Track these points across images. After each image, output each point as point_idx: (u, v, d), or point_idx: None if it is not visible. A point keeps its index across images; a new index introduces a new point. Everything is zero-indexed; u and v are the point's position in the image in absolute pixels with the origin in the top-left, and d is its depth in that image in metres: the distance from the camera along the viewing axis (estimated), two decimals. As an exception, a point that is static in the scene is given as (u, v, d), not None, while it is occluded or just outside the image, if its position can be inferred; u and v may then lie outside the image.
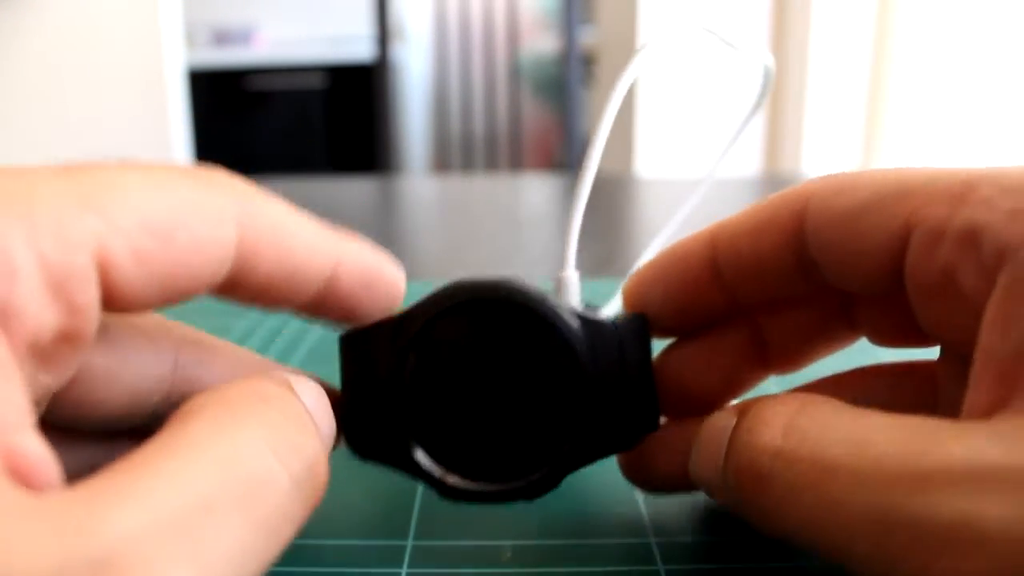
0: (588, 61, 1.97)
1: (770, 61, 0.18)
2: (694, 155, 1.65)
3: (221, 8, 2.64)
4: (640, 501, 0.23)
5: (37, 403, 0.14)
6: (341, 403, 0.20)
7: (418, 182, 0.78)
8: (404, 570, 0.20)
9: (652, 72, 1.62)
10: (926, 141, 1.45)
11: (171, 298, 0.14)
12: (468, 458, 0.20)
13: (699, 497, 0.24)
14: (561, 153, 2.14)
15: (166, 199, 0.14)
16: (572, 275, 0.21)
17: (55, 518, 0.10)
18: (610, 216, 0.62)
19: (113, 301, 0.13)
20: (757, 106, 0.18)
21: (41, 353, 0.13)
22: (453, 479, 0.20)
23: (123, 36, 1.41)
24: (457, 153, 2.23)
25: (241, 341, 0.35)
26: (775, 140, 1.67)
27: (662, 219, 0.61)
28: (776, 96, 1.64)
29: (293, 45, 2.55)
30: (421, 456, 0.19)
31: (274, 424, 0.14)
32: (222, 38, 2.53)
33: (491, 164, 2.20)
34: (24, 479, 0.11)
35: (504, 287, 0.19)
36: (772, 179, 0.76)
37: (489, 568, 0.20)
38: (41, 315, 0.12)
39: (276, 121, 2.48)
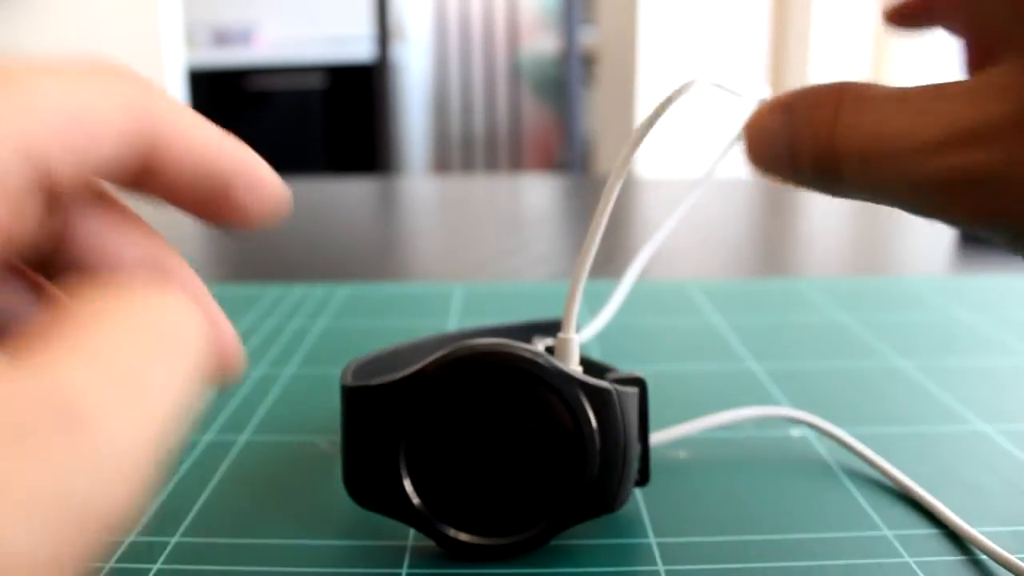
0: (588, 61, 1.97)
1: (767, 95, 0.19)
2: (694, 155, 1.65)
3: (221, 8, 2.64)
4: (640, 501, 0.23)
5: None
6: (343, 453, 0.21)
7: (418, 182, 0.78)
8: (404, 570, 0.20)
9: (652, 73, 1.62)
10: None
11: (97, 174, 0.15)
12: (468, 514, 0.20)
13: (699, 497, 0.24)
14: (561, 153, 2.14)
15: (78, 88, 0.15)
16: (573, 338, 0.21)
17: (23, 368, 0.11)
18: (610, 216, 0.62)
19: (50, 190, 0.14)
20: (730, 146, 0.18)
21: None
22: (454, 533, 0.20)
23: (123, 36, 1.41)
24: (457, 153, 2.23)
25: (242, 342, 0.35)
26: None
27: (662, 219, 0.61)
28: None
29: (293, 45, 2.55)
30: (424, 511, 0.20)
31: (178, 299, 0.14)
32: (222, 38, 2.53)
33: (491, 164, 2.20)
34: None
35: (510, 352, 0.19)
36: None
37: (489, 568, 0.21)
38: None
39: (276, 121, 2.48)
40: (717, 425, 0.25)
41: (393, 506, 0.20)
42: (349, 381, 0.21)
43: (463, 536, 0.20)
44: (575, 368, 0.21)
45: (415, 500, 0.20)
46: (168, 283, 0.17)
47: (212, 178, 0.17)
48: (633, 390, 0.21)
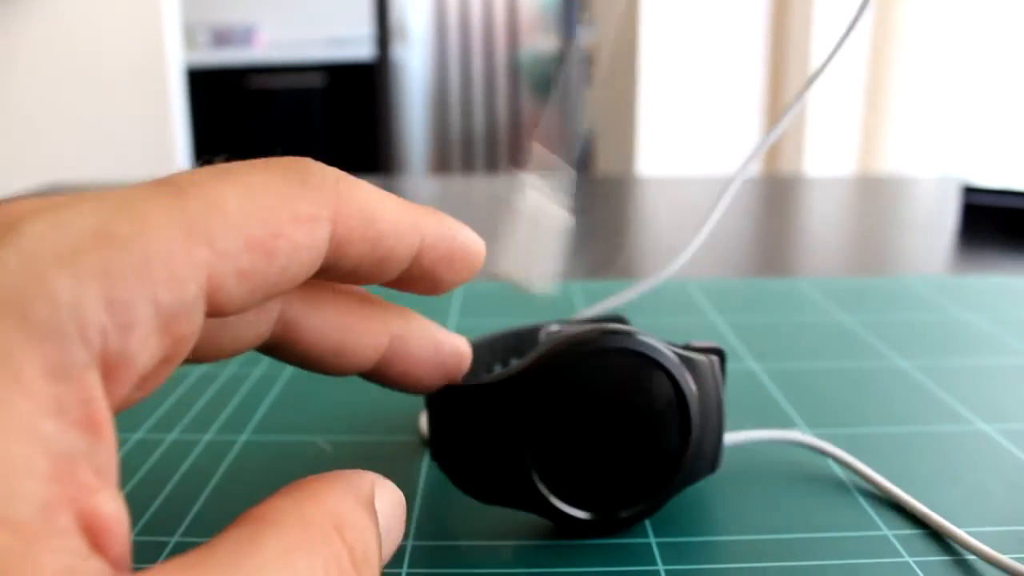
0: (588, 61, 1.97)
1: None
2: (694, 155, 1.65)
3: (221, 8, 2.64)
4: (640, 501, 0.23)
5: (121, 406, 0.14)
6: (451, 451, 0.21)
7: (418, 181, 0.78)
8: (404, 570, 0.20)
9: (653, 73, 1.62)
10: (925, 141, 1.45)
11: (267, 299, 0.15)
12: (589, 495, 0.21)
13: (699, 497, 0.24)
14: (561, 153, 2.14)
15: (264, 210, 0.14)
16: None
17: None
18: (610, 216, 0.62)
19: (214, 314, 0.14)
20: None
21: (139, 381, 0.13)
22: (575, 511, 0.21)
23: (123, 36, 1.41)
24: (457, 152, 2.23)
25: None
26: (775, 140, 1.67)
27: (662, 219, 0.61)
28: (776, 96, 1.64)
29: (293, 45, 2.55)
30: (549, 495, 0.21)
31: (340, 562, 0.14)
32: (222, 38, 2.53)
33: (491, 163, 2.20)
34: (95, 538, 0.11)
35: (619, 337, 0.20)
36: (772, 179, 0.76)
37: (489, 568, 0.21)
38: (149, 356, 0.13)
39: (276, 121, 2.48)
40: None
41: (519, 497, 0.21)
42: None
43: (579, 513, 0.21)
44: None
45: (542, 488, 0.21)
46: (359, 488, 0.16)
47: (396, 262, 0.17)
48: (715, 359, 0.22)
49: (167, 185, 0.14)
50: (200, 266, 0.13)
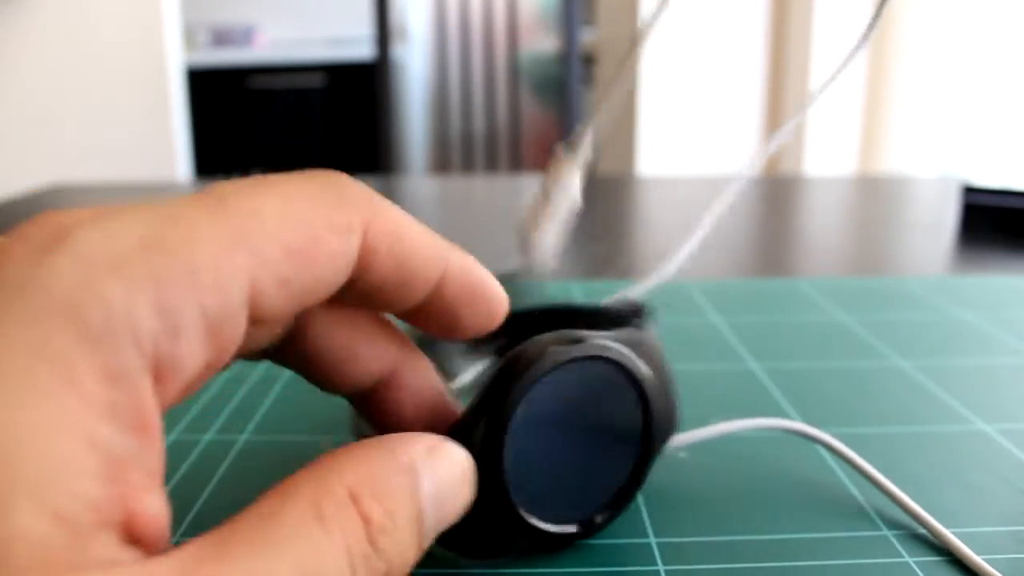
0: (588, 61, 1.97)
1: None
2: (694, 155, 1.65)
3: (221, 8, 2.64)
4: (640, 501, 0.23)
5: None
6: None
7: (418, 182, 0.78)
8: (404, 570, 0.20)
9: (653, 72, 1.62)
10: (924, 141, 1.45)
11: (303, 307, 0.15)
12: (553, 506, 0.20)
13: (699, 497, 0.24)
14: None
15: (303, 219, 0.14)
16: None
17: None
18: (610, 216, 0.62)
19: (255, 321, 0.14)
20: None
21: (184, 385, 0.13)
22: (549, 527, 0.20)
23: (123, 36, 1.41)
24: (457, 153, 2.23)
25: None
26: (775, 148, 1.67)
27: (663, 218, 0.61)
28: (776, 96, 1.64)
29: (293, 45, 2.55)
30: (539, 523, 0.20)
31: (354, 533, 0.14)
32: (222, 38, 2.53)
33: (491, 163, 2.20)
34: (139, 534, 0.12)
35: (591, 347, 0.19)
36: (773, 179, 0.76)
37: (489, 568, 0.20)
38: (196, 361, 0.13)
39: (276, 121, 2.48)
40: (715, 435, 0.25)
41: (508, 533, 0.20)
42: None
43: (554, 527, 0.20)
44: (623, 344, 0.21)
45: (531, 519, 0.19)
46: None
47: (417, 287, 0.17)
48: (652, 336, 0.22)
49: (209, 196, 0.14)
50: (243, 273, 0.13)
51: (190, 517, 0.23)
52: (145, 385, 0.12)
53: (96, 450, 0.11)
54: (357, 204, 0.16)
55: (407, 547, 0.14)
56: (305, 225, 0.14)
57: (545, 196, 0.23)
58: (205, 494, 0.24)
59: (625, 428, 0.21)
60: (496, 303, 0.18)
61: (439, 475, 0.16)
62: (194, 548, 0.12)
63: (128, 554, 0.12)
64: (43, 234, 0.13)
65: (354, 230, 0.15)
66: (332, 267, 0.15)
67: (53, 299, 0.12)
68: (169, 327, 0.12)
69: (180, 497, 0.24)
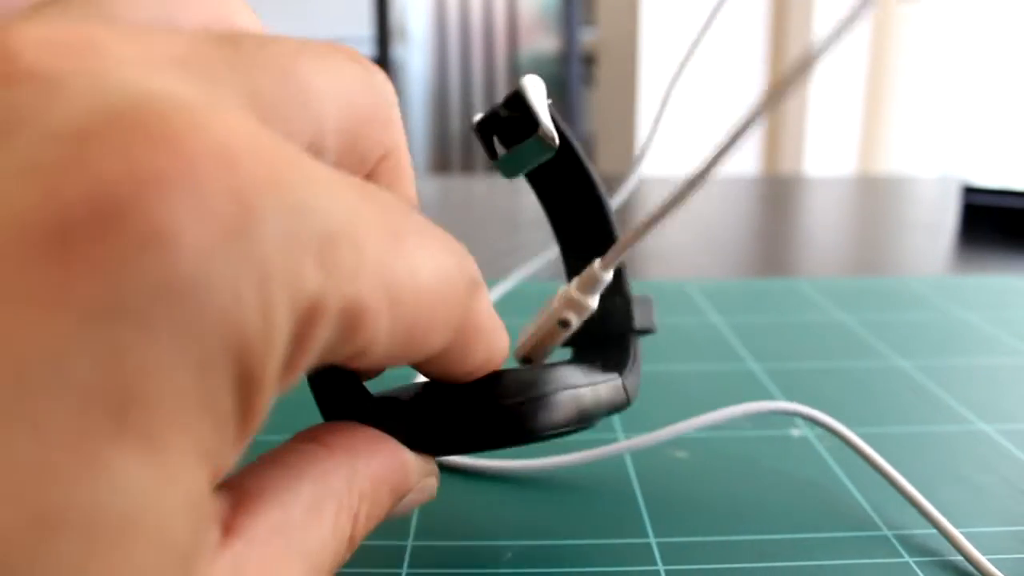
0: (588, 61, 1.97)
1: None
2: (695, 154, 1.65)
3: (221, 8, 2.64)
4: (640, 501, 0.23)
5: None
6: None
7: (418, 182, 0.78)
8: (404, 570, 0.20)
9: (652, 73, 1.62)
10: (924, 141, 1.45)
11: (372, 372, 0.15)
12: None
13: (699, 497, 0.24)
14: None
15: (434, 300, 0.13)
16: (603, 279, 0.20)
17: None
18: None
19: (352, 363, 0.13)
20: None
21: None
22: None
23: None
24: (457, 153, 2.23)
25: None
26: (775, 140, 1.67)
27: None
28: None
29: (293, 45, 2.55)
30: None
31: (354, 537, 0.15)
32: (222, 38, 2.53)
33: (491, 164, 2.20)
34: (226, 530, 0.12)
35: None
36: (772, 179, 0.76)
37: (489, 568, 0.20)
38: (289, 384, 0.11)
39: (276, 121, 2.48)
40: (713, 423, 0.25)
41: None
42: None
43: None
44: (583, 318, 0.20)
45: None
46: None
47: (464, 374, 0.17)
48: (637, 377, 0.20)
49: (384, 215, 0.12)
50: (374, 327, 0.12)
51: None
52: (268, 398, 0.11)
53: (218, 474, 0.11)
54: (469, 293, 0.15)
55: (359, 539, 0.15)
56: (432, 309, 0.13)
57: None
58: (205, 494, 0.24)
59: None
60: (497, 353, 0.17)
61: (416, 498, 0.17)
62: (257, 533, 0.12)
63: (212, 530, 0.12)
64: (225, 199, 0.10)
65: (453, 328, 0.14)
66: (422, 351, 0.14)
67: (223, 318, 0.10)
68: (297, 358, 0.11)
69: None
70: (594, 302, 0.20)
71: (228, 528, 0.12)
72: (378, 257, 0.12)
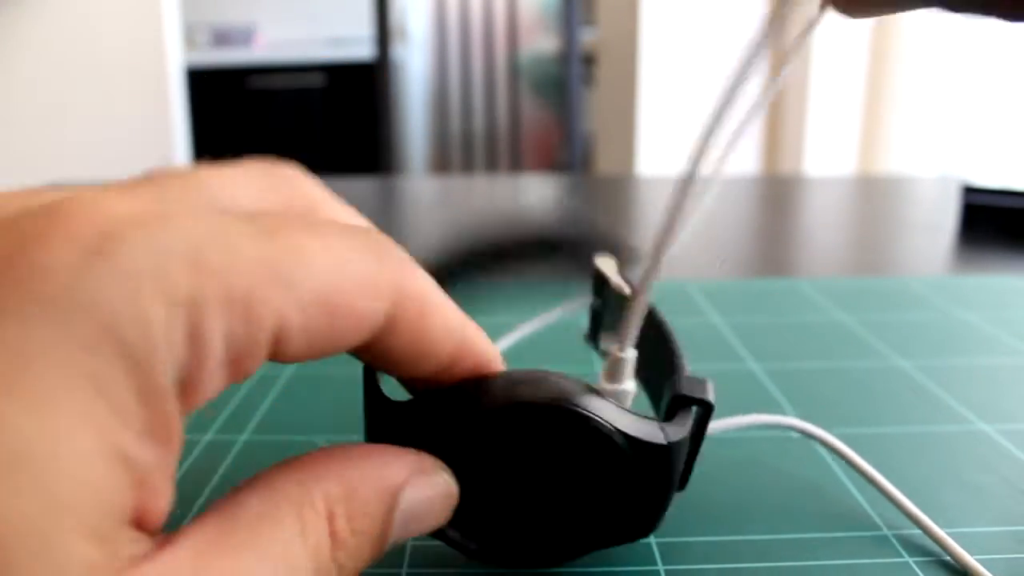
0: (588, 61, 1.97)
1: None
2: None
3: (221, 8, 2.64)
4: (640, 501, 0.23)
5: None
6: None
7: (418, 182, 0.78)
8: (404, 570, 0.20)
9: (653, 73, 1.62)
10: (924, 141, 1.45)
11: (312, 358, 0.15)
12: (497, 542, 0.19)
13: (699, 497, 0.24)
14: (561, 153, 2.14)
15: (340, 272, 0.14)
16: (629, 357, 0.21)
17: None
18: (610, 216, 0.62)
19: (272, 358, 0.14)
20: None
21: (200, 403, 0.14)
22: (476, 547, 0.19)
23: (123, 36, 1.41)
24: (457, 153, 2.23)
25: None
26: (775, 140, 1.67)
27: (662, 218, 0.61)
28: (776, 96, 1.64)
29: (293, 45, 2.55)
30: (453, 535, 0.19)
31: (335, 549, 0.15)
32: (222, 38, 2.53)
33: (491, 163, 2.20)
34: (146, 527, 0.13)
35: (565, 397, 0.18)
36: (772, 179, 0.76)
37: (489, 568, 0.20)
38: (215, 387, 0.13)
39: (276, 120, 2.48)
40: (711, 433, 0.25)
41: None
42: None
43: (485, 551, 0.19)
44: (627, 406, 0.19)
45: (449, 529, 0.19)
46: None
47: (432, 361, 0.17)
48: (685, 431, 0.19)
49: (255, 224, 0.14)
50: (275, 311, 0.13)
51: (190, 517, 0.23)
52: (173, 402, 0.13)
53: (128, 467, 0.12)
54: (393, 268, 0.15)
55: (363, 559, 0.15)
56: (341, 279, 0.14)
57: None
58: (205, 494, 0.24)
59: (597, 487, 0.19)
60: (456, 326, 0.17)
61: (419, 498, 0.16)
62: (195, 541, 0.13)
63: (141, 543, 0.12)
64: (89, 232, 0.12)
65: (384, 298, 0.15)
66: (356, 327, 0.15)
67: (97, 314, 0.12)
68: (198, 353, 0.13)
69: (180, 497, 0.24)
70: (630, 384, 0.21)
71: (166, 539, 0.13)
72: (255, 253, 0.13)
